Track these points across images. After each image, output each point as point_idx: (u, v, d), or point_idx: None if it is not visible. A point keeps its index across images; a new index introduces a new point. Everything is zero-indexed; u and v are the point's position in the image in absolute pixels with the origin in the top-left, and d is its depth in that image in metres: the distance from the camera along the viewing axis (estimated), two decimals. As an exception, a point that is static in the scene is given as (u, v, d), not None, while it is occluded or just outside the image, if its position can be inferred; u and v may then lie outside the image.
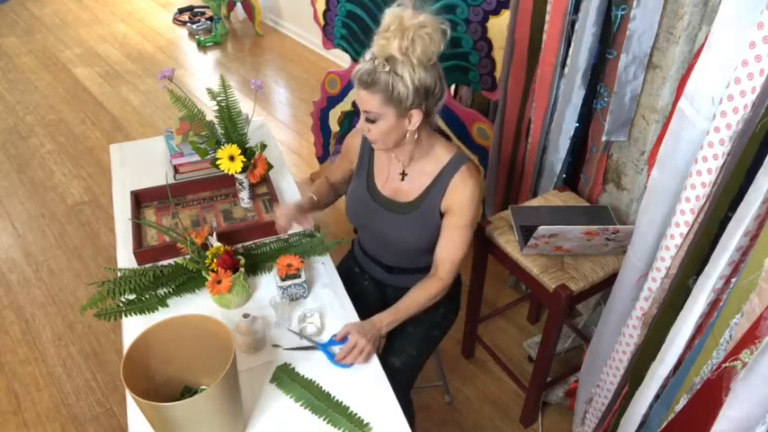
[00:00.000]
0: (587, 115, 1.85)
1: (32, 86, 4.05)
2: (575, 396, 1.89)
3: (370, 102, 1.30)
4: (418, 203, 1.49)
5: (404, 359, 1.54)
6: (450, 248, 1.48)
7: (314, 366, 1.34)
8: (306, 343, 1.38)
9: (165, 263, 1.55)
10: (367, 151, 1.56)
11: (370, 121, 1.34)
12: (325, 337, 1.40)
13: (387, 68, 1.26)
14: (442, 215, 1.48)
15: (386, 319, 1.40)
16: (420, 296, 1.47)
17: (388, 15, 1.27)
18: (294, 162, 3.31)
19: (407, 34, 1.23)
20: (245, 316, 1.35)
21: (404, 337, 1.57)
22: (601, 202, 1.96)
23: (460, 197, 1.44)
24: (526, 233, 1.71)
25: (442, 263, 1.49)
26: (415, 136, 1.39)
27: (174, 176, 1.88)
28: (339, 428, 1.21)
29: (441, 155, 1.46)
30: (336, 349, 1.35)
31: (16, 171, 3.25)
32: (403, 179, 1.51)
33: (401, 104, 1.30)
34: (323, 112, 2.77)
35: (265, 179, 1.80)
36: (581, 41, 1.65)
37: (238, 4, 4.83)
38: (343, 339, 1.36)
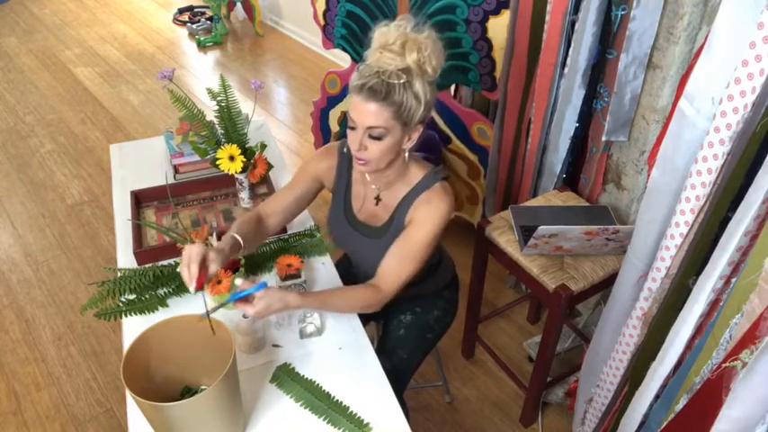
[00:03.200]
0: (587, 115, 1.85)
1: (32, 86, 4.05)
2: (575, 396, 1.89)
3: (380, 116, 1.24)
4: (387, 227, 1.44)
5: (394, 362, 1.53)
6: (396, 262, 1.36)
7: (314, 366, 1.34)
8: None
9: (165, 263, 1.55)
10: (344, 175, 1.49)
11: (375, 137, 1.26)
12: (325, 337, 1.41)
13: (402, 80, 1.22)
14: None
15: (304, 303, 1.26)
16: (351, 296, 1.36)
17: (389, 31, 1.24)
18: (294, 162, 3.31)
19: (424, 47, 1.22)
20: (245, 316, 1.35)
21: (396, 340, 1.56)
22: (601, 202, 1.96)
23: (424, 210, 1.36)
24: (526, 233, 1.71)
25: (385, 274, 1.37)
26: (406, 156, 1.36)
27: (174, 176, 1.88)
28: (339, 428, 1.21)
29: (414, 175, 1.40)
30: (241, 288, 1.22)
31: (16, 171, 3.25)
32: (377, 203, 1.46)
33: (411, 120, 1.27)
34: (323, 112, 2.78)
35: (265, 179, 1.80)
36: (581, 41, 1.65)
37: (238, 4, 4.83)
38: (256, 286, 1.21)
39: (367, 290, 1.36)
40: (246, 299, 1.20)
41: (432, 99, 1.29)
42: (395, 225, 1.42)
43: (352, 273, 1.74)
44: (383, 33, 1.25)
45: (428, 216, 1.35)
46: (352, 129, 1.28)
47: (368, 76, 1.23)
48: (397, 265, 1.36)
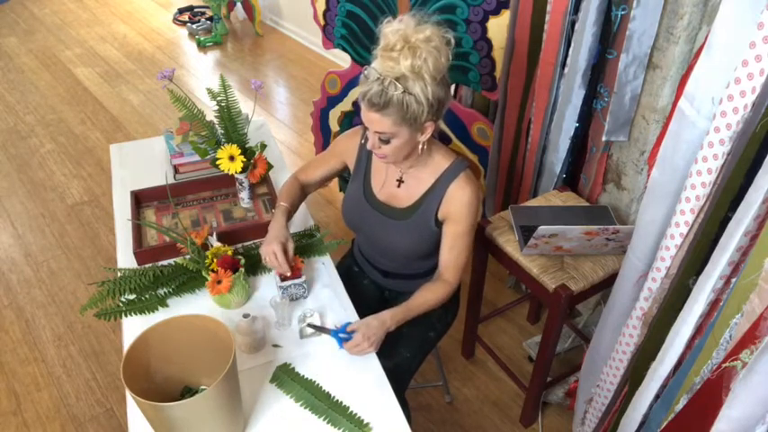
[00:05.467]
0: (587, 115, 1.85)
1: (32, 86, 4.05)
2: (575, 396, 1.89)
3: (383, 123, 1.28)
4: (413, 210, 1.48)
5: (397, 360, 1.54)
6: (454, 254, 1.49)
7: (314, 366, 1.34)
8: (318, 325, 1.42)
9: (165, 263, 1.55)
10: (365, 154, 1.55)
11: (383, 141, 1.32)
12: (325, 338, 1.41)
13: (399, 90, 1.22)
14: (438, 223, 1.48)
15: (396, 317, 1.42)
16: (429, 297, 1.49)
17: (391, 33, 1.23)
18: (294, 162, 3.31)
19: (419, 53, 1.21)
20: (245, 316, 1.35)
21: (398, 338, 1.56)
22: (601, 202, 1.96)
23: (458, 205, 1.43)
24: (526, 233, 1.71)
25: (447, 268, 1.50)
26: (424, 146, 1.39)
27: (174, 176, 1.88)
28: (339, 428, 1.21)
29: (439, 163, 1.46)
30: (343, 336, 1.38)
31: (16, 171, 3.25)
32: (399, 185, 1.50)
33: (416, 122, 1.28)
34: (323, 112, 2.77)
35: (265, 179, 1.80)
36: (581, 41, 1.65)
37: (238, 4, 4.83)
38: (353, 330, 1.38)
39: (438, 287, 1.50)
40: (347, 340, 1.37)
41: (440, 97, 1.29)
42: (422, 211, 1.47)
43: (354, 273, 1.75)
44: (385, 34, 1.25)
45: (464, 207, 1.43)
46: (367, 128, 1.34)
47: (370, 82, 1.25)
48: (456, 258, 1.49)
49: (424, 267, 1.60)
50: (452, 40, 1.28)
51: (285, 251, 1.43)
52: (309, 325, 1.41)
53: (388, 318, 1.40)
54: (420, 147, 1.38)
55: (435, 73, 1.24)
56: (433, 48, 1.23)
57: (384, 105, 1.25)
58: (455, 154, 1.49)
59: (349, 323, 1.40)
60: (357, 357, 1.36)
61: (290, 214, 1.56)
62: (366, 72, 1.27)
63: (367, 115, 1.29)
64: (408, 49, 1.21)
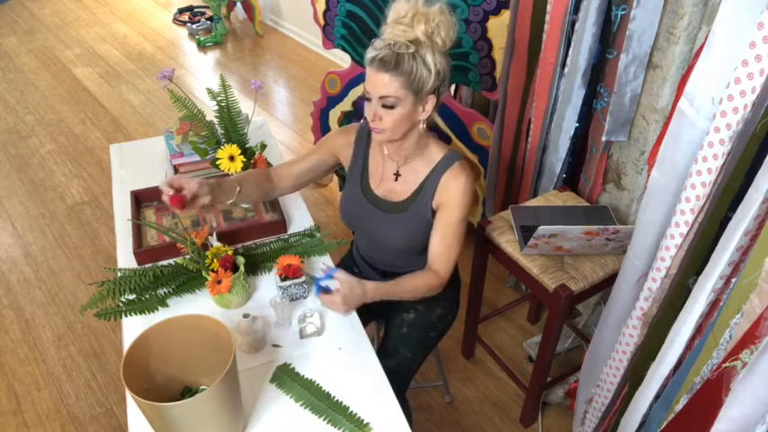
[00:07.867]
0: (587, 115, 1.85)
1: (32, 86, 4.05)
2: (575, 396, 1.89)
3: (391, 85, 1.28)
4: (410, 202, 1.49)
5: (398, 360, 1.54)
6: (445, 245, 1.47)
7: (314, 366, 1.34)
8: (310, 275, 1.43)
9: (165, 263, 1.55)
10: (362, 151, 1.55)
11: (387, 106, 1.32)
12: (325, 338, 1.41)
13: (411, 50, 1.26)
14: (434, 214, 1.48)
15: (379, 291, 1.38)
16: (418, 283, 1.45)
17: (402, 4, 1.27)
18: (294, 162, 3.31)
19: (432, 17, 1.25)
20: (245, 316, 1.35)
21: (399, 339, 1.56)
22: (601, 202, 1.96)
23: (452, 193, 1.43)
24: (526, 233, 1.71)
25: (438, 258, 1.48)
26: (422, 126, 1.39)
27: (174, 176, 1.88)
28: (339, 428, 1.21)
29: (433, 153, 1.47)
30: (324, 284, 1.32)
31: (16, 171, 3.26)
32: (397, 179, 1.51)
33: (422, 89, 1.30)
34: (323, 112, 2.78)
35: (265, 179, 1.80)
36: (581, 41, 1.65)
37: (238, 4, 4.83)
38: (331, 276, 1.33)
39: (429, 275, 1.47)
40: (326, 291, 1.31)
41: (444, 69, 1.32)
42: (418, 202, 1.47)
43: (353, 273, 1.74)
44: (396, 9, 1.29)
45: (457, 194, 1.43)
46: (368, 100, 1.34)
47: (380, 48, 1.28)
48: (447, 248, 1.47)
49: (422, 265, 1.59)
50: (456, 24, 1.32)
51: (180, 189, 1.30)
52: (305, 274, 1.43)
53: (370, 289, 1.35)
54: (420, 126, 1.39)
55: (446, 40, 1.28)
56: (445, 18, 1.27)
57: (395, 66, 1.27)
58: (448, 146, 1.50)
59: (336, 269, 1.33)
60: (357, 357, 1.36)
61: (225, 186, 1.40)
62: (374, 42, 1.30)
63: (375, 77, 1.29)
64: (422, 16, 1.25)
